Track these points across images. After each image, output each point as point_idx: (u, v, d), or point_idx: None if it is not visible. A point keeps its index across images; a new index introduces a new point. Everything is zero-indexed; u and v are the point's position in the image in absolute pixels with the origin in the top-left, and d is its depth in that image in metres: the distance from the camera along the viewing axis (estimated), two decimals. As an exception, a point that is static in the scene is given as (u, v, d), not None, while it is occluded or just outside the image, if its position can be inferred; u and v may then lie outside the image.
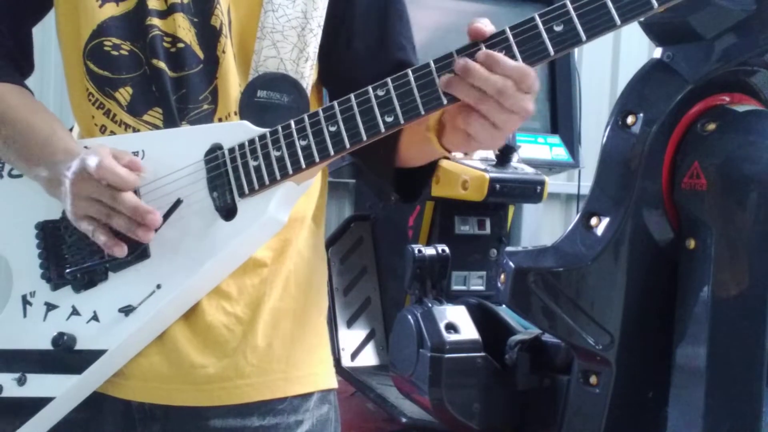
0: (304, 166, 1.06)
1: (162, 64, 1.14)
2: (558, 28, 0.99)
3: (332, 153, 1.05)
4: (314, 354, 1.24)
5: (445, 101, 1.02)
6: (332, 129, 1.05)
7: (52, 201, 1.15)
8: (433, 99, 1.02)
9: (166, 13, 1.15)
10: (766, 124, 1.44)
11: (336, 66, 1.23)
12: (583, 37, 0.98)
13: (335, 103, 1.06)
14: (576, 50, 3.03)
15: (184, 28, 1.15)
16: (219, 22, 1.15)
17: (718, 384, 1.38)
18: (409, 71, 1.02)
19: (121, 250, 1.09)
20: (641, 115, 1.45)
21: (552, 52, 0.99)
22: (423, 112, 1.02)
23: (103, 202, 1.08)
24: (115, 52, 1.15)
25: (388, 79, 1.03)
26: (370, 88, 1.04)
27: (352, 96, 1.05)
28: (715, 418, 1.38)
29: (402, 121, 1.03)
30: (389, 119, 1.03)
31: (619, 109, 1.49)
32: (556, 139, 2.95)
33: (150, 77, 1.15)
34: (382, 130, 1.03)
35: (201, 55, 1.15)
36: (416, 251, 2.08)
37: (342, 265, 2.70)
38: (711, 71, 1.44)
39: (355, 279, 2.72)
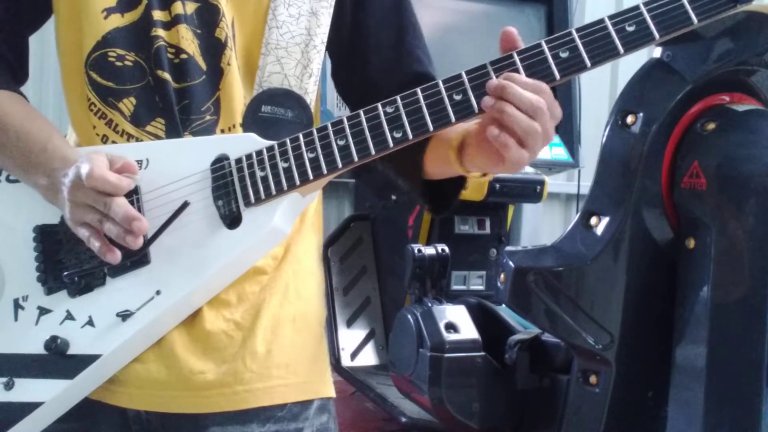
0: (311, 177, 1.08)
1: (167, 75, 1.14)
2: (564, 54, 1.05)
3: (340, 165, 1.07)
4: (314, 361, 1.23)
5: (453, 119, 1.05)
6: (341, 143, 1.07)
7: (50, 206, 1.14)
8: (442, 116, 1.05)
9: (170, 24, 1.15)
10: (766, 123, 1.44)
11: (355, 82, 1.25)
12: (588, 63, 1.05)
13: (344, 118, 1.08)
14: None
15: (187, 39, 1.15)
16: (224, 35, 1.15)
17: (718, 384, 1.38)
18: (418, 90, 1.06)
19: (114, 257, 1.08)
20: (641, 114, 1.45)
21: (558, 77, 1.05)
22: (432, 129, 1.05)
23: (96, 209, 1.07)
24: (119, 63, 1.15)
25: (397, 97, 1.06)
26: (379, 105, 1.07)
27: (361, 112, 1.07)
28: (715, 418, 1.38)
29: (411, 137, 1.06)
30: (398, 135, 1.06)
31: (619, 109, 1.48)
32: (555, 138, 2.95)
33: (154, 88, 1.15)
34: (391, 145, 1.06)
35: (204, 66, 1.15)
36: (416, 251, 2.08)
37: (342, 265, 2.70)
38: (711, 70, 1.44)
39: (355, 279, 2.72)
